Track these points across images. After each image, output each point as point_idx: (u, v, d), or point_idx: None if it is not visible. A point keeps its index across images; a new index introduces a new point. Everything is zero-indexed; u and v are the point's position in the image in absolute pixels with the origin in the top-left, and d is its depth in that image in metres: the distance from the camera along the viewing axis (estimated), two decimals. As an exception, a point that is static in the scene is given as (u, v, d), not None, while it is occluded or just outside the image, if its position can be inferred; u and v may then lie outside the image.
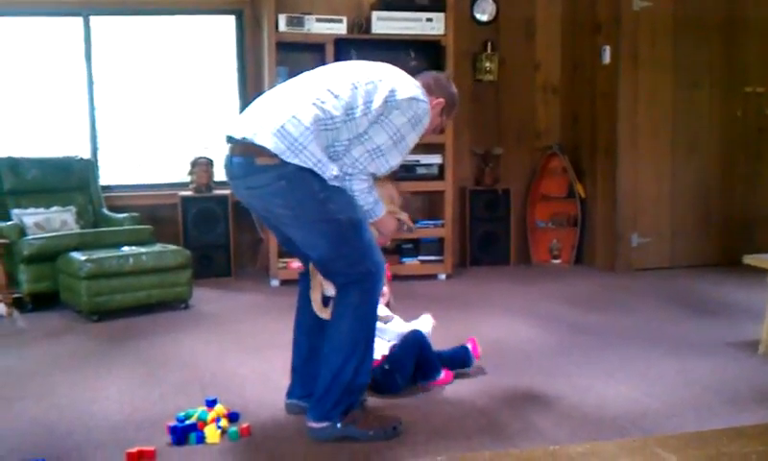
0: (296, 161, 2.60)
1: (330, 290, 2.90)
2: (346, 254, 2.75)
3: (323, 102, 2.67)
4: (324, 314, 2.92)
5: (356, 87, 2.74)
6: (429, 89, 2.95)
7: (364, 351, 2.78)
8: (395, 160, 2.82)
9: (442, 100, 2.99)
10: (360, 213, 2.78)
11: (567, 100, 6.84)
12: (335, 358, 2.75)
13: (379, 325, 3.11)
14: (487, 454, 1.38)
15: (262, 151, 2.63)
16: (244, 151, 2.70)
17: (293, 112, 2.65)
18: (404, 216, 3.23)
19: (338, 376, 2.74)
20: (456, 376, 3.43)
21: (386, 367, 3.24)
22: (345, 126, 2.70)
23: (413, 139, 2.84)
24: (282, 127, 2.63)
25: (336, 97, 2.69)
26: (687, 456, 1.32)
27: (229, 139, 2.79)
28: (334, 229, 2.71)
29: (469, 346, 3.54)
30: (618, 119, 6.12)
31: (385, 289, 3.34)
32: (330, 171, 2.66)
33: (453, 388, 3.33)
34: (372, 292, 2.78)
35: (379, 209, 2.88)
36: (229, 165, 2.80)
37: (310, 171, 2.63)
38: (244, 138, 2.68)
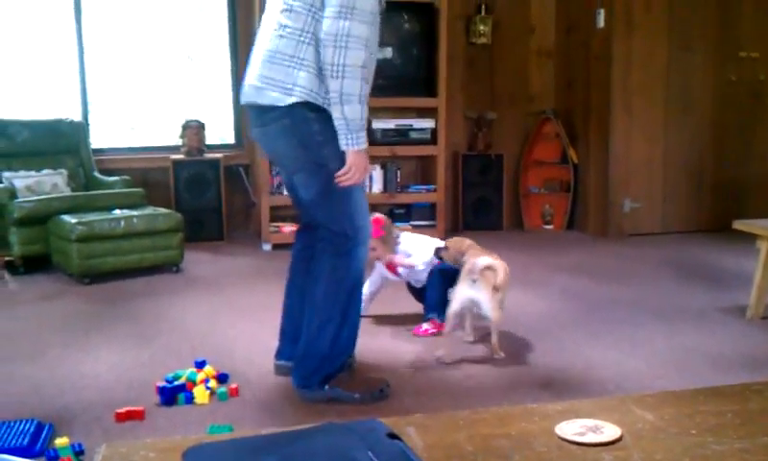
0: (291, 101, 2.58)
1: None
2: (327, 204, 2.72)
3: (284, 25, 2.59)
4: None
5: None
6: None
7: (342, 319, 2.74)
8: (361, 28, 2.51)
9: None
10: None
11: (561, 64, 6.81)
12: (312, 323, 2.76)
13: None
14: (465, 412, 1.40)
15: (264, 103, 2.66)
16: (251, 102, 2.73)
17: (267, 57, 2.64)
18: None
19: (314, 341, 2.75)
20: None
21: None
22: (318, 24, 2.54)
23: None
24: (269, 78, 2.62)
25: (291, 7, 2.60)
26: (663, 414, 1.33)
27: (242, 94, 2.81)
28: (324, 175, 2.66)
29: None
30: (611, 84, 6.09)
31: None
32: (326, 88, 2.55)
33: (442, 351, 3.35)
34: (347, 257, 2.70)
35: (363, 138, 2.62)
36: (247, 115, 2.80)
37: (308, 107, 2.58)
38: (248, 103, 2.73)
